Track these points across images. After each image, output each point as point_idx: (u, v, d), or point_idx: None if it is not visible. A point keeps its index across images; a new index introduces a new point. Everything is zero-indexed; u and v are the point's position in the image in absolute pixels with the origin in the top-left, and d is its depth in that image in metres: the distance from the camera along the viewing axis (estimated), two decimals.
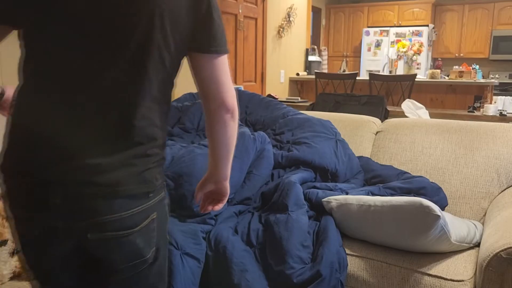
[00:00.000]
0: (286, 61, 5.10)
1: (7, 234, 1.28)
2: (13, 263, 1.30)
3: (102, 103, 0.91)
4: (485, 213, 1.91)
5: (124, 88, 0.92)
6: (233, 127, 1.08)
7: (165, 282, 1.14)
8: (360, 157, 2.27)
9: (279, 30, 4.84)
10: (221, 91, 1.04)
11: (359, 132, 2.41)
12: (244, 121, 2.45)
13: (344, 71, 6.90)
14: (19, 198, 0.92)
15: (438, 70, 4.73)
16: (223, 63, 1.04)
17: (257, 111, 2.49)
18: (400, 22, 7.55)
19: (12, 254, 1.30)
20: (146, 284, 1.06)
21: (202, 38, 1.00)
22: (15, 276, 1.31)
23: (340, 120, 2.50)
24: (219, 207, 1.23)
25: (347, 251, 1.62)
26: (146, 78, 0.93)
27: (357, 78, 4.64)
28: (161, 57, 0.94)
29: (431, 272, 1.48)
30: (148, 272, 1.04)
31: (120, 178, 0.92)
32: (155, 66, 0.93)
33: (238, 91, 2.63)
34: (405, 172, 2.07)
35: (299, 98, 4.85)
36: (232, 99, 1.06)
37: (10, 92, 1.14)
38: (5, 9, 0.92)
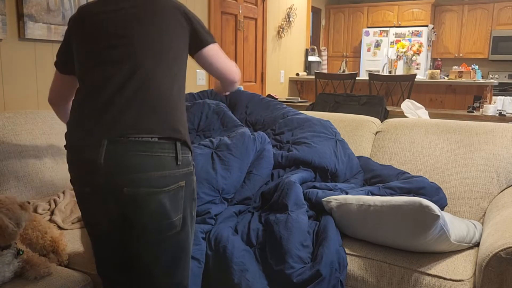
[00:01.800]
0: (286, 61, 5.11)
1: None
2: (16, 264, 1.30)
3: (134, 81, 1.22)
4: (485, 213, 1.91)
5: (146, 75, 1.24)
6: (238, 82, 1.54)
7: (186, 262, 1.32)
8: (359, 157, 2.27)
9: (279, 30, 4.84)
10: (225, 74, 1.47)
11: (358, 132, 2.41)
12: (244, 121, 2.46)
13: (343, 71, 6.91)
14: (76, 164, 1.22)
15: (438, 70, 4.73)
16: (214, 50, 1.42)
17: (257, 111, 2.49)
18: (399, 23, 7.56)
19: (17, 254, 1.30)
20: (170, 253, 1.25)
21: (194, 43, 1.37)
22: (17, 276, 1.32)
23: (340, 120, 2.50)
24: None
25: (347, 251, 1.62)
26: (164, 66, 1.27)
27: (357, 78, 4.64)
28: (161, 54, 1.27)
29: (430, 271, 1.49)
30: (174, 241, 1.24)
31: (151, 141, 1.17)
32: (159, 58, 1.28)
33: (238, 91, 2.63)
34: (405, 172, 2.08)
35: (299, 98, 4.85)
36: (234, 76, 1.48)
37: None
38: (70, 67, 1.36)
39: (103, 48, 1.24)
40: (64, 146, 1.27)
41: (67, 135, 1.27)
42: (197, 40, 1.37)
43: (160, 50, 1.27)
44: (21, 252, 1.32)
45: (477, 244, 1.64)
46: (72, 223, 1.77)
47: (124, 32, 1.24)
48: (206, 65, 1.45)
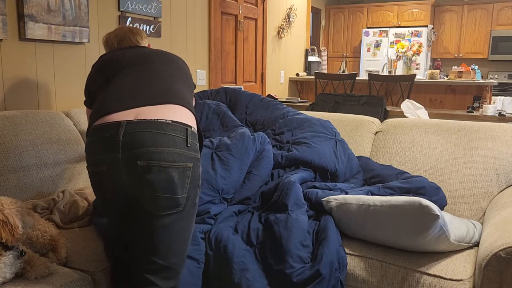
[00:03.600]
0: (286, 61, 5.11)
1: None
2: (18, 265, 1.30)
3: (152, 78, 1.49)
4: (484, 212, 1.92)
5: (165, 78, 1.52)
6: None
7: (183, 250, 1.39)
8: (359, 157, 2.27)
9: (279, 30, 4.84)
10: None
11: (358, 132, 2.42)
12: (244, 121, 2.46)
13: (343, 71, 6.91)
14: (96, 143, 1.34)
15: (437, 71, 4.73)
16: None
17: (257, 111, 2.49)
18: (399, 23, 7.56)
19: (19, 255, 1.30)
20: (169, 233, 1.33)
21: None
22: (17, 276, 1.32)
23: (339, 120, 2.51)
24: None
25: (347, 251, 1.63)
26: (177, 76, 1.56)
27: (357, 78, 4.64)
28: (172, 64, 1.61)
29: (430, 271, 1.49)
30: (175, 221, 1.33)
31: (165, 122, 1.32)
32: (178, 76, 1.58)
33: (239, 91, 2.63)
34: (405, 172, 2.08)
35: (299, 98, 4.85)
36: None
37: None
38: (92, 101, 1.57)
39: (121, 68, 1.50)
40: (86, 131, 1.41)
41: (90, 121, 1.41)
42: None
43: (171, 62, 1.59)
44: (23, 254, 1.32)
45: (476, 244, 1.65)
46: (71, 222, 1.77)
47: (140, 58, 1.54)
48: None
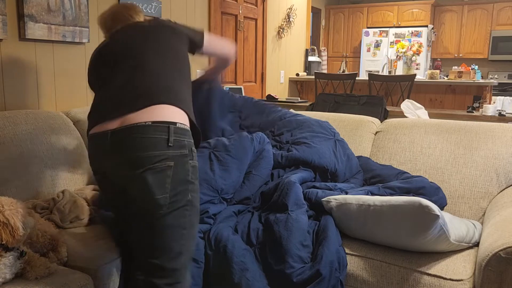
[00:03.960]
0: (286, 61, 5.11)
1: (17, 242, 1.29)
2: (18, 266, 1.30)
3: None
4: (484, 212, 1.92)
5: (159, 73, 1.47)
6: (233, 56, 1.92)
7: (180, 255, 1.35)
8: (359, 157, 2.27)
9: (279, 30, 4.84)
10: (224, 54, 1.88)
11: (358, 132, 2.42)
12: (239, 125, 2.40)
13: (343, 71, 6.91)
14: (92, 153, 1.41)
15: (437, 71, 4.73)
16: (209, 39, 1.75)
17: (251, 115, 2.42)
18: (399, 23, 7.56)
19: (20, 256, 1.30)
20: (158, 235, 1.31)
21: (192, 45, 1.70)
22: (17, 277, 1.32)
23: (339, 120, 2.51)
24: None
25: (347, 251, 1.63)
26: (169, 70, 1.50)
27: (357, 78, 4.65)
28: (162, 52, 1.53)
29: (430, 271, 1.49)
30: (162, 225, 1.31)
31: (145, 125, 1.31)
32: (168, 63, 1.53)
33: (233, 96, 2.57)
34: (405, 172, 2.08)
35: (299, 98, 4.85)
36: (232, 55, 1.88)
37: None
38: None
39: (113, 67, 1.49)
40: (87, 133, 1.46)
41: (88, 124, 1.46)
42: (192, 43, 1.69)
43: (167, 49, 1.54)
44: (24, 254, 1.32)
45: (476, 244, 1.65)
46: (71, 222, 1.77)
47: (134, 48, 1.51)
48: (210, 55, 1.90)
